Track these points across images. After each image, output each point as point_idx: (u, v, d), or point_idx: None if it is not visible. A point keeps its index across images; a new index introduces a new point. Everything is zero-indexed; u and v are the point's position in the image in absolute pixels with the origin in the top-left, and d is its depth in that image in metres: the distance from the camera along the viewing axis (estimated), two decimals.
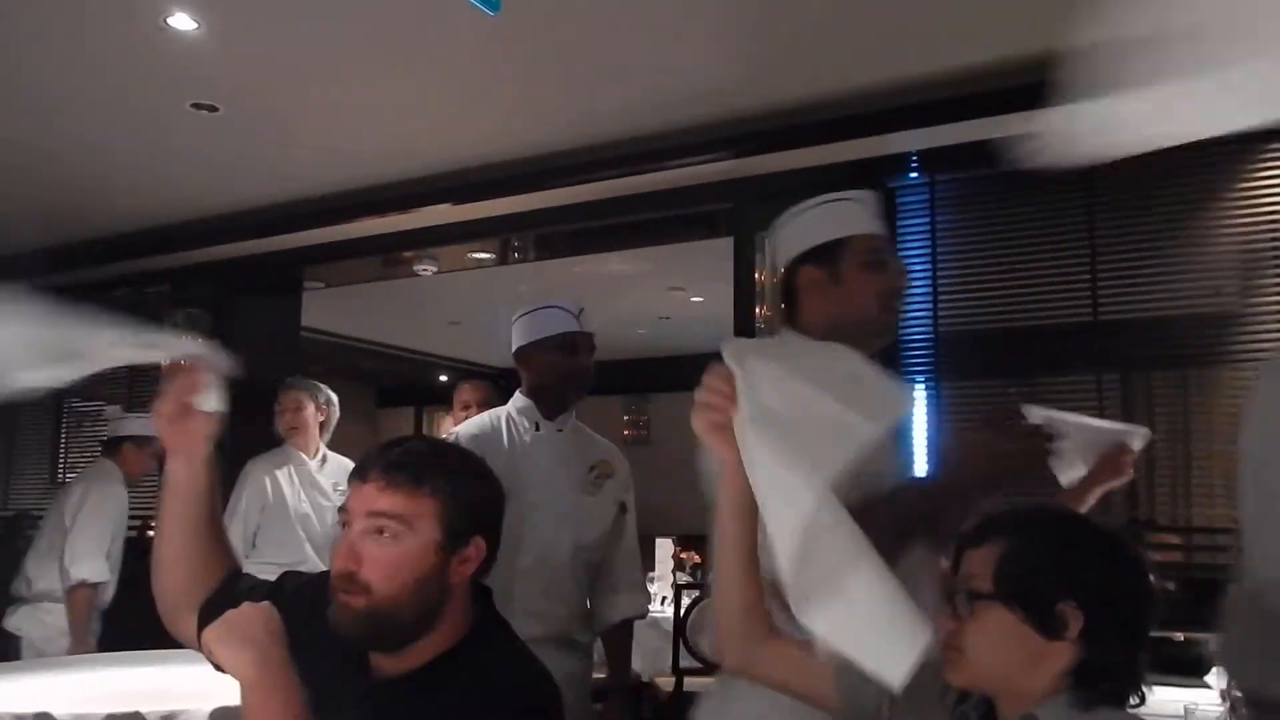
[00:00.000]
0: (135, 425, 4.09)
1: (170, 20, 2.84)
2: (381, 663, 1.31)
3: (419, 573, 1.26)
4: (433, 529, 1.27)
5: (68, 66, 3.18)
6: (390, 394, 9.79)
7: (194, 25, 2.88)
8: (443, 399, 9.30)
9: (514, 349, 2.66)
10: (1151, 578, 1.20)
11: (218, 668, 1.36)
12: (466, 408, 3.73)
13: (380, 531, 1.26)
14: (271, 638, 1.20)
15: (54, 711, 2.06)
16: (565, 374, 2.60)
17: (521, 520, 2.39)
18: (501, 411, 2.68)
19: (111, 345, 1.38)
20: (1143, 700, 1.18)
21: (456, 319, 7.00)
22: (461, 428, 2.72)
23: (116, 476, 4.05)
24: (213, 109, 3.46)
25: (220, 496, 1.51)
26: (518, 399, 2.68)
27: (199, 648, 1.40)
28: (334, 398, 3.96)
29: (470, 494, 1.32)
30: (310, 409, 3.86)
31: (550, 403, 2.63)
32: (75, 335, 1.35)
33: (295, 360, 5.15)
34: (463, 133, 3.70)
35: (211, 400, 1.44)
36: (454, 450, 1.41)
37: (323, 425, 3.91)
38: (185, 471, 1.44)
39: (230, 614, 1.23)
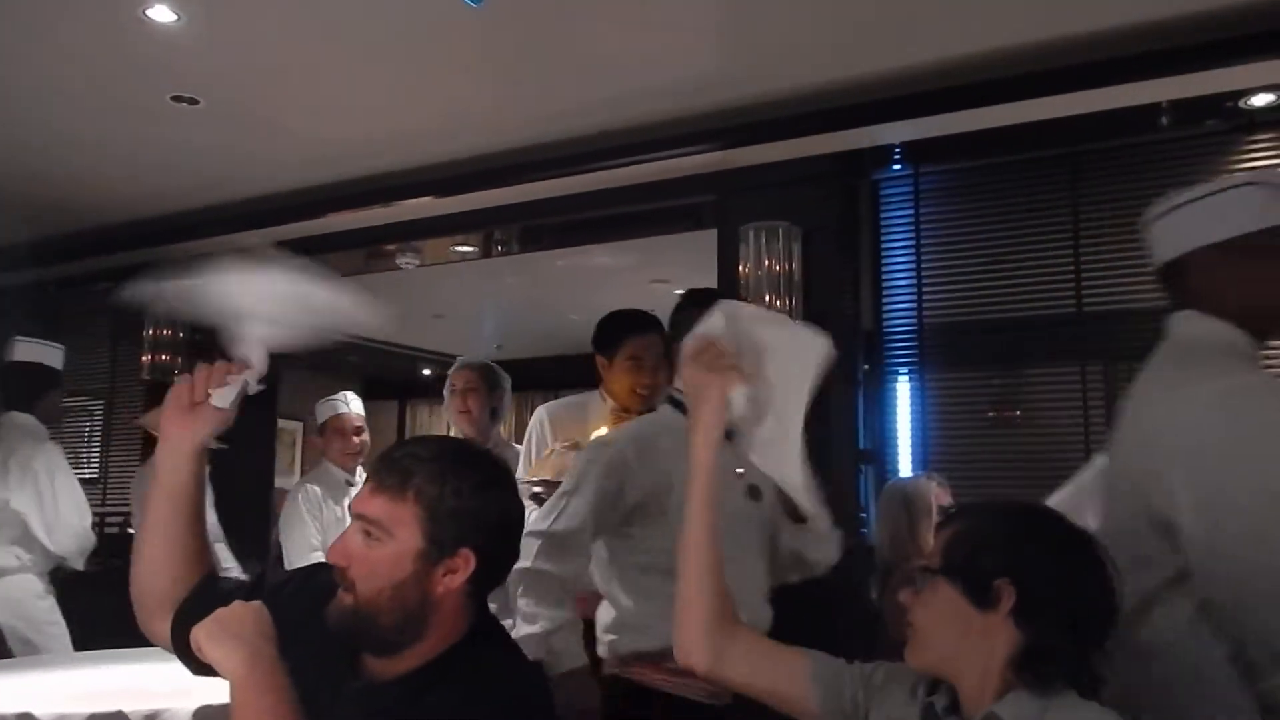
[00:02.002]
0: (323, 409, 3.86)
1: (150, 12, 2.81)
2: (373, 665, 1.30)
3: (396, 579, 1.24)
4: (413, 537, 1.24)
5: (46, 58, 3.14)
6: (374, 388, 9.75)
7: (174, 17, 2.85)
8: (426, 392, 9.29)
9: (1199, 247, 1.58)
10: (1109, 572, 1.21)
11: (194, 670, 1.36)
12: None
13: (368, 534, 1.26)
14: (262, 637, 1.20)
15: (36, 712, 2.04)
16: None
17: None
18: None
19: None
20: (1095, 692, 1.20)
21: (439, 312, 6.98)
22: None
23: (322, 472, 3.85)
24: (193, 101, 3.43)
25: (206, 493, 1.49)
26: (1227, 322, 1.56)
27: (171, 649, 1.40)
28: (485, 377, 3.60)
29: (459, 504, 1.25)
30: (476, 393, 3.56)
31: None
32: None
33: (277, 355, 5.09)
34: (445, 125, 3.68)
35: (226, 398, 1.43)
36: (458, 456, 1.31)
37: (493, 412, 3.58)
38: (172, 465, 1.42)
39: (221, 612, 1.22)
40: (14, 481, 3.51)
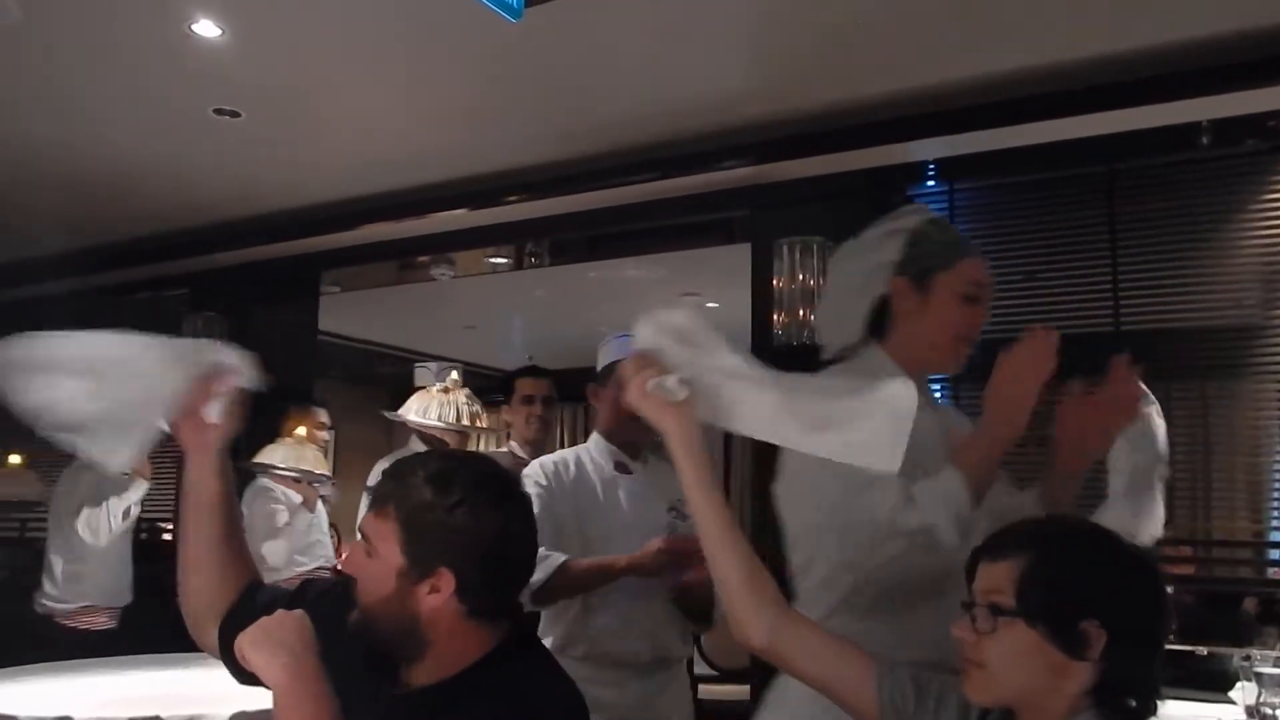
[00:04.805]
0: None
1: (195, 27, 2.86)
2: (407, 675, 1.32)
3: (382, 595, 1.26)
4: (394, 554, 1.26)
5: (92, 71, 3.20)
6: (404, 398, 9.81)
7: (218, 32, 2.90)
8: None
9: None
10: (1168, 591, 1.19)
11: (240, 679, 1.37)
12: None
13: (366, 550, 1.29)
14: (305, 645, 1.22)
15: (76, 715, 2.07)
16: None
17: None
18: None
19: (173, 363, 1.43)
20: (1154, 712, 1.17)
21: (471, 323, 7.02)
22: None
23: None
24: (235, 115, 3.48)
25: (236, 503, 1.52)
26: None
27: (220, 658, 1.42)
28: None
29: (436, 522, 1.25)
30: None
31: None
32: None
33: (311, 364, 5.17)
34: (480, 139, 3.72)
35: (217, 409, 1.45)
36: (448, 474, 1.29)
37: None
38: (196, 476, 1.46)
39: (265, 620, 1.24)
40: None
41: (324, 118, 3.58)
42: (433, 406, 3.57)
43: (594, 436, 2.59)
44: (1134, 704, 1.16)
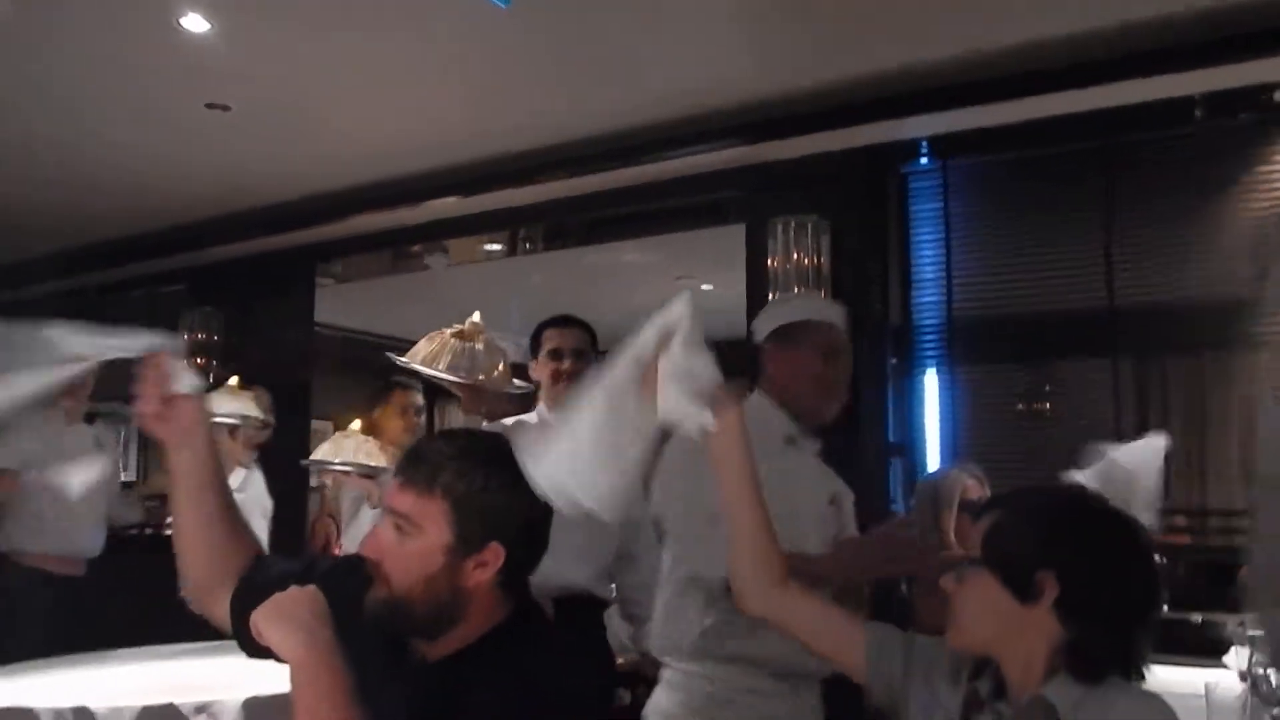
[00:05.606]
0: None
1: (183, 21, 2.86)
2: (420, 646, 1.34)
3: (427, 573, 1.27)
4: (442, 532, 1.27)
5: (82, 68, 3.20)
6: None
7: (207, 26, 2.90)
8: (451, 391, 9.31)
9: None
10: (1153, 559, 1.22)
11: (250, 653, 1.39)
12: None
13: (398, 528, 1.29)
14: (319, 619, 1.23)
15: (91, 705, 2.09)
16: None
17: None
18: None
19: (87, 346, 1.39)
20: (1141, 679, 1.21)
21: (465, 310, 7.03)
22: None
23: None
24: (225, 108, 3.48)
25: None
26: None
27: (229, 629, 1.44)
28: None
29: (487, 500, 1.29)
30: None
31: None
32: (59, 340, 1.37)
33: (308, 356, 5.17)
34: (472, 125, 3.71)
35: (188, 381, 1.43)
36: (485, 451, 1.33)
37: None
38: (187, 457, 1.45)
39: (279, 596, 1.25)
40: None
41: (314, 109, 3.57)
42: (444, 355, 3.05)
43: (757, 400, 2.06)
44: (1110, 665, 1.19)
